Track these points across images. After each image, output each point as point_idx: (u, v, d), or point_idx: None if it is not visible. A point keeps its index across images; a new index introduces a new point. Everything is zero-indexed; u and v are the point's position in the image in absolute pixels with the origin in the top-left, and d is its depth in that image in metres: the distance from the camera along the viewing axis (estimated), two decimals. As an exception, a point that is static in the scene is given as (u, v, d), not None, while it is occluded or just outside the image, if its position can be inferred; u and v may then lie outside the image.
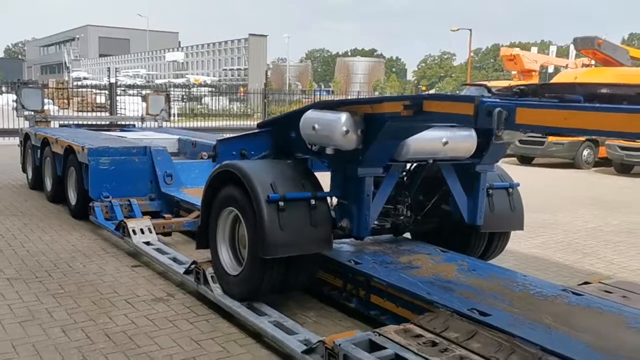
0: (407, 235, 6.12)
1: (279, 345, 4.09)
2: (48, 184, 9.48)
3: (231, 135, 7.23)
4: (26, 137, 10.71)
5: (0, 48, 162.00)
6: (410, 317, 4.14)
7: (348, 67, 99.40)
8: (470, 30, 43.47)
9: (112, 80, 22.56)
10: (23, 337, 4.29)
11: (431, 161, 5.01)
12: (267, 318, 4.40)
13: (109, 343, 4.24)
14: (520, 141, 16.97)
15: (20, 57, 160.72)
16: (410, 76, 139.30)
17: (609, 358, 3.29)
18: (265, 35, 55.38)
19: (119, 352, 4.09)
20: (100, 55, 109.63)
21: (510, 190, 5.73)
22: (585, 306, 4.16)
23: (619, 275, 6.20)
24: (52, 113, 16.42)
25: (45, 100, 32.33)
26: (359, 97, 31.62)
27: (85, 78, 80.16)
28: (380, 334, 3.68)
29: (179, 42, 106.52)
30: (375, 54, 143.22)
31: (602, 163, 16.83)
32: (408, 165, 5.35)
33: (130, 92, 27.32)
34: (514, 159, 18.41)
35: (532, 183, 13.92)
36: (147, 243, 6.39)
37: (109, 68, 38.26)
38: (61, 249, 6.73)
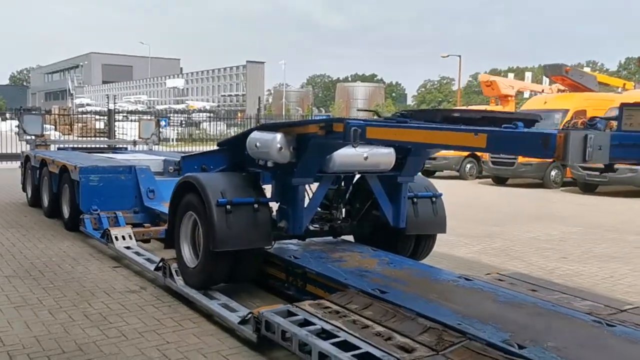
0: (351, 238, 7.13)
1: (223, 321, 5.07)
2: (45, 200, 10.52)
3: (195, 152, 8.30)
4: (26, 159, 11.79)
5: (5, 75, 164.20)
6: (331, 299, 5.12)
7: (348, 92, 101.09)
8: (460, 56, 44.84)
9: (111, 106, 23.74)
10: (17, 317, 5.28)
11: (357, 173, 6.05)
12: (216, 301, 5.39)
13: (87, 321, 5.22)
14: (493, 162, 18.18)
15: (25, 84, 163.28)
16: (410, 101, 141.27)
17: (462, 318, 4.27)
18: (262, 62, 56.95)
19: (94, 327, 5.07)
20: (104, 82, 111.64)
21: (434, 199, 6.74)
22: (469, 287, 5.16)
23: (533, 273, 7.17)
24: (52, 138, 17.54)
25: (48, 126, 33.59)
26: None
27: (88, 104, 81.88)
28: (297, 306, 4.67)
29: (181, 69, 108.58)
30: (375, 79, 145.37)
31: (571, 183, 17.78)
32: (342, 176, 6.38)
33: (132, 117, 28.51)
34: (489, 179, 19.51)
35: (495, 200, 14.96)
36: (128, 247, 7.40)
37: (107, 95, 39.57)
38: (53, 254, 7.73)
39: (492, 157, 18.07)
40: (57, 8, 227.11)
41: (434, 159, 19.81)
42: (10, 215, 10.58)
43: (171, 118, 37.08)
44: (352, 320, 4.41)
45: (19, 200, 12.22)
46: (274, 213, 5.85)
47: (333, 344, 3.98)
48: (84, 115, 43.94)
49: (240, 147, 6.05)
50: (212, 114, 47.00)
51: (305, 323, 4.42)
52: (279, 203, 5.81)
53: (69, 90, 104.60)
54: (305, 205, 5.77)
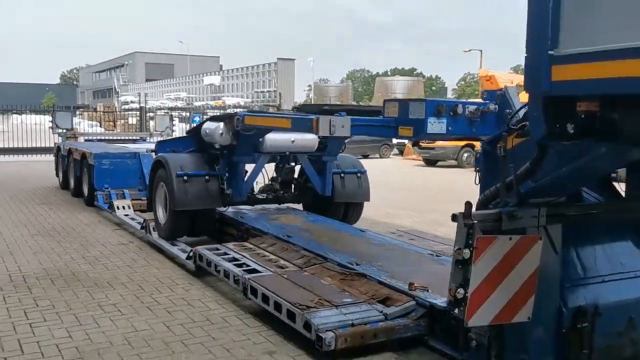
0: (300, 207, 8.94)
1: (177, 259, 6.97)
2: (71, 182, 12.66)
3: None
4: (58, 149, 13.98)
5: (57, 75, 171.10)
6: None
7: (387, 86, 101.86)
8: (481, 51, 45.93)
9: (142, 104, 26.07)
10: (34, 258, 7.28)
11: (288, 153, 7.85)
12: (177, 247, 7.29)
13: (83, 260, 7.19)
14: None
15: (74, 82, 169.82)
16: (450, 94, 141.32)
17: (330, 250, 6.03)
18: (293, 59, 59.08)
19: (87, 264, 7.03)
20: (147, 80, 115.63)
21: (359, 174, 8.48)
22: (359, 236, 6.92)
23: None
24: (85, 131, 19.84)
25: (93, 123, 36.23)
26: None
27: (132, 102, 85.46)
28: (223, 245, 6.53)
29: (221, 66, 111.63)
30: (415, 73, 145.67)
31: None
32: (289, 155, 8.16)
33: (161, 113, 30.86)
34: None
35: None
36: (126, 215, 9.40)
37: (139, 93, 42.31)
38: (70, 222, 9.79)
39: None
40: (105, 7, 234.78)
41: (433, 149, 21.44)
42: (43, 195, 12.77)
43: (207, 113, 39.41)
44: (257, 253, 6.25)
45: (53, 185, 14.42)
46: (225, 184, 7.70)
47: (235, 265, 5.81)
48: (125, 112, 46.80)
49: (199, 134, 7.93)
50: (245, 109, 49.28)
51: (223, 255, 6.26)
52: (225, 175, 7.65)
53: (115, 88, 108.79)
54: (245, 178, 7.63)
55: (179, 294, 5.91)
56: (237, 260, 6.03)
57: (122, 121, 39.36)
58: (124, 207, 9.61)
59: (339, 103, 18.01)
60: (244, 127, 6.33)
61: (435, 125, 4.37)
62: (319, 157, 7.98)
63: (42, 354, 4.38)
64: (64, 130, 14.75)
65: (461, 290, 3.17)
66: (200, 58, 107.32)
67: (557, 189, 3.43)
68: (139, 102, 30.01)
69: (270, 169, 8.51)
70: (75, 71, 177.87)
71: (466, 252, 3.14)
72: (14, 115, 35.73)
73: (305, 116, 5.08)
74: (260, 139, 7.40)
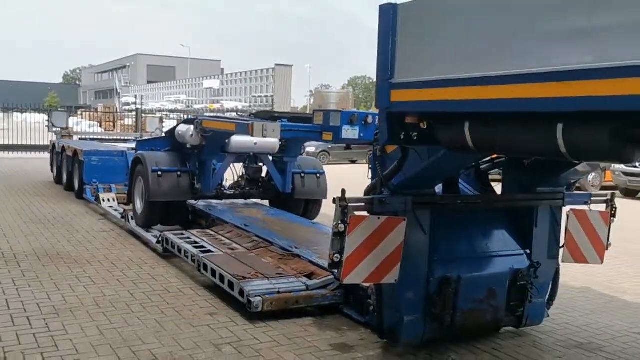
0: (266, 203, 9.95)
1: (149, 243, 7.97)
2: (64, 177, 13.68)
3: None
4: (53, 147, 15.01)
5: (60, 74, 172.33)
6: (218, 231, 7.96)
7: (323, 97, 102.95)
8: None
9: (139, 106, 27.15)
10: (25, 240, 8.29)
11: (252, 154, 8.86)
12: (151, 234, 8.29)
13: (68, 243, 8.20)
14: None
15: (77, 82, 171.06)
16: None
17: (278, 237, 7.03)
18: (290, 65, 60.11)
19: (71, 246, 8.03)
20: (148, 82, 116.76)
21: (318, 175, 9.49)
22: (307, 227, 7.92)
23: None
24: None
25: (93, 123, 37.11)
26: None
27: (133, 103, 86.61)
28: (187, 231, 7.54)
29: (222, 70, 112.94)
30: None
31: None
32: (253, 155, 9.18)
33: (158, 114, 31.85)
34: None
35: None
36: (110, 207, 10.41)
37: (135, 95, 43.32)
38: (61, 212, 10.80)
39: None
40: (111, 8, 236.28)
41: None
42: (38, 189, 13.79)
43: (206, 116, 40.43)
44: (216, 238, 7.27)
45: (48, 180, 15.44)
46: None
47: (194, 247, 6.82)
48: (125, 113, 47.91)
49: (174, 135, 8.95)
50: (243, 114, 50.31)
51: (187, 239, 7.26)
52: (196, 172, 8.66)
53: (116, 89, 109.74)
54: (213, 175, 8.65)
55: (146, 270, 6.92)
56: (197, 243, 7.04)
57: (121, 122, 40.53)
58: (109, 200, 10.63)
59: (288, 111, 17.83)
60: (202, 129, 7.37)
61: (349, 132, 5.40)
62: (280, 158, 8.99)
63: (25, 309, 5.38)
64: (60, 129, 15.78)
65: (338, 256, 4.15)
66: (202, 62, 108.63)
67: (422, 182, 4.44)
68: (135, 105, 31.01)
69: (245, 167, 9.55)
70: (78, 71, 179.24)
71: (341, 227, 4.12)
72: (16, 114, 36.74)
73: (245, 121, 6.12)
74: (227, 141, 8.41)
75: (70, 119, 37.52)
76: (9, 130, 23.74)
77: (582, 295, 6.74)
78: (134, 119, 30.03)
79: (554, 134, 2.91)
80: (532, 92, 2.86)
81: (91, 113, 52.62)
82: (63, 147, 13.70)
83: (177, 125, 8.83)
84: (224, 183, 9.61)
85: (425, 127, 3.72)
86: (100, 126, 39.82)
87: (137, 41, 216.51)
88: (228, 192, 9.27)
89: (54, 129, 15.76)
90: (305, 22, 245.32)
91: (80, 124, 36.41)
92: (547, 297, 5.46)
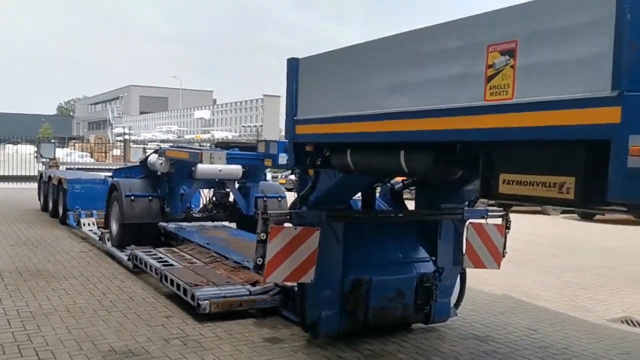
0: (234, 225, 10.85)
1: (121, 261, 8.84)
2: (50, 204, 14.56)
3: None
4: (40, 176, 15.92)
5: (54, 106, 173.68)
6: (184, 250, 8.86)
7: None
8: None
9: (126, 137, 28.15)
10: (10, 261, 9.14)
11: (217, 180, 9.80)
12: (124, 252, 9.17)
13: (48, 262, 9.05)
14: None
15: (70, 114, 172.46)
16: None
17: (234, 252, 7.92)
18: (279, 96, 61.59)
19: (50, 264, 8.88)
20: (141, 113, 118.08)
21: (279, 199, 10.43)
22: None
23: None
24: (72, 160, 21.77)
25: (84, 154, 37.93)
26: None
27: (125, 134, 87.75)
28: (154, 249, 8.43)
29: (214, 100, 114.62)
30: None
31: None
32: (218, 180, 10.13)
33: (145, 145, 32.81)
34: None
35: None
36: (90, 230, 11.29)
37: (123, 127, 44.47)
38: (44, 236, 11.67)
39: None
40: (103, 42, 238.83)
41: None
42: (25, 216, 14.65)
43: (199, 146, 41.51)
44: (179, 255, 8.16)
45: (35, 207, 16.31)
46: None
47: (158, 261, 7.70)
48: (115, 144, 48.89)
49: (146, 163, 9.89)
50: (208, 144, 51.30)
51: (153, 255, 8.14)
52: (166, 197, 9.58)
53: (109, 120, 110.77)
54: (181, 200, 9.57)
55: (116, 283, 7.79)
56: (161, 259, 7.93)
57: (111, 152, 41.51)
58: (89, 224, 11.50)
59: (244, 141, 18.49)
60: (165, 158, 8.33)
61: (284, 159, 6.35)
62: (244, 184, 9.93)
63: (6, 314, 6.24)
64: (47, 160, 16.69)
65: (261, 259, 5.05)
66: (194, 92, 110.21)
67: (333, 199, 5.38)
68: (124, 136, 32.10)
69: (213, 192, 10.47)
70: (72, 102, 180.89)
71: (263, 235, 5.03)
72: (9, 145, 37.64)
73: (197, 150, 7.08)
74: (193, 168, 9.35)
75: (63, 150, 38.57)
76: (1, 162, 24.65)
77: (499, 301, 7.64)
78: (122, 149, 31.05)
79: (398, 158, 3.87)
80: (383, 127, 3.83)
81: (83, 144, 53.75)
82: (49, 176, 14.61)
83: (149, 154, 9.79)
84: (195, 207, 10.54)
85: (327, 153, 4.69)
86: (92, 156, 40.73)
87: (131, 73, 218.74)
88: (196, 215, 10.18)
89: (42, 160, 16.67)
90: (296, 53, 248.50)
91: (72, 155, 37.38)
92: (455, 299, 6.38)
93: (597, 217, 18.11)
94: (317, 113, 4.43)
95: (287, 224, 5.24)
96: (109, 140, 59.56)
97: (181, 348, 5.39)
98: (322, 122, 4.36)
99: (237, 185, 10.09)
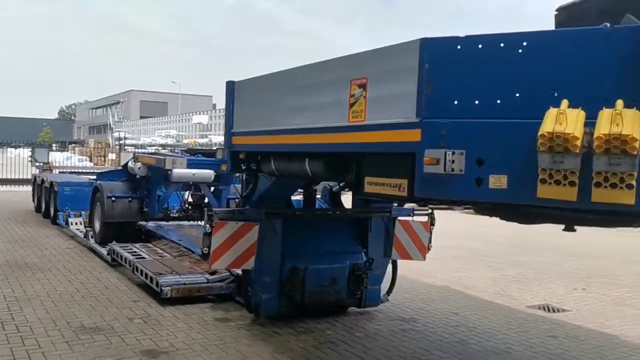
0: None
1: (103, 256, 9.77)
2: (42, 206, 15.50)
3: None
4: (35, 179, 16.86)
5: (55, 109, 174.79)
6: (159, 246, 9.80)
7: None
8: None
9: (121, 142, 29.13)
10: (1, 256, 10.08)
11: (192, 183, 10.74)
12: (105, 248, 10.10)
13: (36, 257, 9.98)
14: None
15: (72, 118, 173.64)
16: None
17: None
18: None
19: (38, 259, 9.81)
20: (141, 117, 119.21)
21: (250, 200, 11.33)
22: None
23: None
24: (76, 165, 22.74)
25: (83, 157, 39.01)
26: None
27: (125, 138, 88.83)
28: (133, 245, 9.37)
29: (214, 105, 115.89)
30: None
31: None
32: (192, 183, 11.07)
33: (141, 149, 33.76)
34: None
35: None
36: (77, 229, 12.23)
37: (118, 132, 45.46)
38: (35, 234, 12.60)
39: None
40: (105, 46, 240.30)
41: None
42: (19, 216, 15.59)
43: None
44: (152, 250, 9.10)
45: (29, 209, 17.25)
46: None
47: (132, 255, 8.63)
48: (116, 148, 49.90)
49: (127, 167, 10.83)
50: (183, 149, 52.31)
51: (129, 250, 9.07)
52: (145, 198, 10.52)
53: (110, 124, 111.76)
54: (158, 201, 10.51)
55: (94, 274, 8.72)
56: (136, 252, 8.86)
57: (109, 157, 42.54)
58: (76, 223, 12.44)
59: (209, 149, 19.03)
60: (141, 163, 9.29)
61: (237, 164, 7.27)
62: (217, 186, 10.87)
63: (-7, 298, 7.19)
64: (41, 163, 17.65)
65: (206, 249, 5.97)
66: (194, 97, 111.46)
67: (272, 199, 6.31)
68: (119, 141, 33.07)
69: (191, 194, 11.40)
70: (73, 107, 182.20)
71: (208, 229, 5.95)
72: (10, 149, 38.65)
73: (162, 156, 8.02)
74: (169, 172, 10.29)
75: (62, 154, 39.51)
76: (2, 165, 25.65)
77: (436, 290, 8.56)
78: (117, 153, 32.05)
79: (305, 164, 4.80)
80: (292, 140, 4.76)
81: (82, 148, 54.84)
82: (42, 179, 15.56)
83: (129, 160, 10.73)
84: (174, 207, 11.47)
85: (259, 159, 5.64)
86: (91, 160, 41.69)
87: (133, 77, 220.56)
88: (174, 215, 11.12)
89: (36, 164, 17.62)
90: (301, 54, 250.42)
91: (71, 159, 38.32)
92: (385, 286, 7.30)
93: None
94: (248, 127, 5.36)
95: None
96: (109, 145, 60.70)
97: (141, 325, 6.32)
98: (251, 134, 5.30)
99: (212, 189, 11.02)
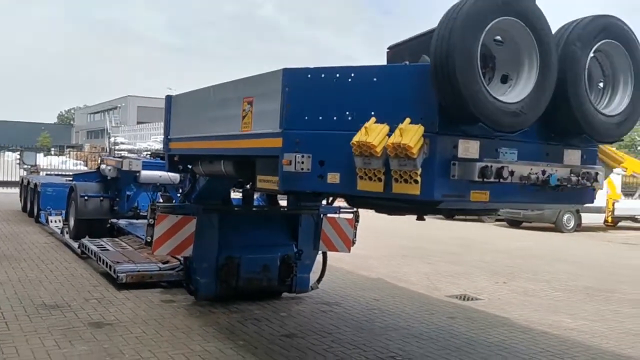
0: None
1: (75, 250, 10.77)
2: (27, 206, 16.51)
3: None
4: (22, 181, 17.88)
5: (54, 114, 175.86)
6: (126, 240, 10.80)
7: None
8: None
9: (112, 147, 30.12)
10: (-17, 248, 11.09)
11: (159, 184, 11.74)
12: (77, 242, 11.09)
13: (15, 250, 10.97)
14: None
15: (70, 122, 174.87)
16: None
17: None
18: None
19: (16, 251, 10.80)
20: (138, 123, 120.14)
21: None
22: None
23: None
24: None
25: (78, 162, 39.87)
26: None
27: (122, 143, 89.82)
28: (102, 239, 10.37)
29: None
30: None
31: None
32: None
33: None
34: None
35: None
36: (57, 226, 13.23)
37: (108, 137, 46.36)
38: (18, 231, 13.59)
39: None
40: (105, 51, 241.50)
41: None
42: (5, 215, 16.60)
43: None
44: (118, 243, 10.11)
45: (17, 209, 18.25)
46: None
47: (98, 248, 9.63)
48: (120, 152, 50.67)
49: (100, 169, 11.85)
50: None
51: (97, 244, 10.07)
52: (115, 198, 11.53)
53: (107, 129, 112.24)
54: (127, 200, 11.53)
55: (64, 265, 9.71)
56: (102, 246, 9.86)
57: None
58: (55, 221, 13.44)
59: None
60: (103, 163, 10.31)
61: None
62: (182, 187, 11.87)
63: (-30, 282, 8.18)
64: (29, 166, 18.67)
65: (149, 238, 6.96)
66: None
67: (208, 196, 7.31)
68: (111, 145, 33.98)
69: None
70: (72, 111, 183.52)
71: (151, 220, 6.95)
72: (8, 153, 39.63)
73: (120, 159, 9.05)
74: (137, 174, 11.30)
75: (59, 158, 40.42)
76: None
77: (370, 282, 9.57)
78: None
79: (221, 165, 5.82)
80: (209, 145, 5.77)
81: (78, 152, 55.79)
82: (28, 181, 16.57)
83: (102, 162, 11.76)
84: (144, 207, 12.45)
85: (191, 161, 6.66)
86: (86, 164, 42.56)
87: (131, 83, 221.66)
88: (143, 214, 12.09)
89: (24, 166, 18.63)
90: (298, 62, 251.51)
91: (67, 163, 39.23)
92: (314, 275, 8.30)
93: (524, 224, 20.08)
94: (180, 134, 6.39)
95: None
96: (105, 149, 61.66)
97: (95, 304, 7.31)
98: (182, 140, 6.32)
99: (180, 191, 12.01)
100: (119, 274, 8.09)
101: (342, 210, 8.27)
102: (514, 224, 20.14)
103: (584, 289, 9.74)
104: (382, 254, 12.45)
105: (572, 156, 4.44)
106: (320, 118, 4.25)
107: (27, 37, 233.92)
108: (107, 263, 8.64)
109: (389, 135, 3.85)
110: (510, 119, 3.84)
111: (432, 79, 3.78)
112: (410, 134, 3.72)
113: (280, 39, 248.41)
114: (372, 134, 3.84)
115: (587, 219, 19.60)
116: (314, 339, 6.30)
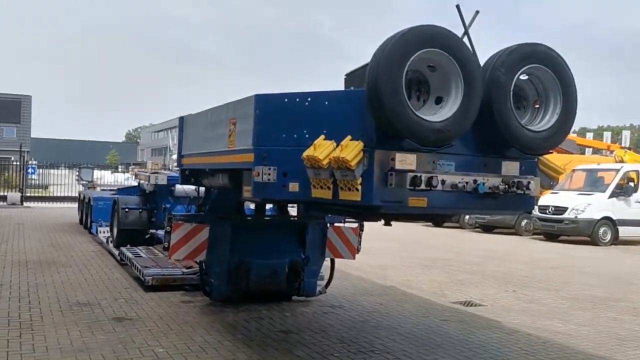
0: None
1: (115, 257, 11.82)
2: (83, 218, 17.89)
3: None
4: (79, 196, 19.35)
5: (123, 133, 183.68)
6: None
7: None
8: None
9: (166, 163, 31.78)
10: (36, 255, 12.28)
11: (193, 197, 12.69)
12: (117, 250, 12.15)
13: (64, 257, 12.13)
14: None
15: (137, 140, 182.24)
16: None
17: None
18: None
19: (65, 258, 11.95)
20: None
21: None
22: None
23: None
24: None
25: (130, 177, 41.56)
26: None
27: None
28: (138, 247, 11.37)
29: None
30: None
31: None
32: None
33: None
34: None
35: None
36: (104, 236, 14.41)
37: (172, 154, 48.52)
38: (71, 241, 14.86)
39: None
40: (169, 70, 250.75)
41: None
42: (63, 227, 18.03)
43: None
44: (152, 251, 11.07)
45: (74, 222, 19.73)
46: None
47: (133, 255, 10.62)
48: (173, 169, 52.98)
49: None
50: None
51: (133, 251, 11.07)
52: (154, 210, 12.55)
53: (169, 147, 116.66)
54: (164, 212, 12.52)
55: (104, 270, 10.75)
56: (138, 253, 10.84)
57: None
58: (103, 232, 14.63)
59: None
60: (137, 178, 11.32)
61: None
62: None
63: (20, 283, 9.26)
64: (86, 182, 20.16)
65: (167, 244, 7.81)
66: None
67: (221, 206, 8.12)
68: (167, 163, 35.84)
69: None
70: (139, 130, 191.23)
71: (168, 228, 7.80)
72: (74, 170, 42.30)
73: (147, 173, 10.03)
74: (173, 188, 12.29)
75: (124, 174, 42.89)
76: (68, 185, 28.97)
77: (381, 288, 10.12)
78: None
79: (220, 177, 6.61)
80: (209, 160, 6.58)
81: (141, 169, 58.90)
82: (84, 195, 17.99)
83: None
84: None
85: (194, 176, 7.51)
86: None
87: (197, 100, 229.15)
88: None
89: (82, 182, 20.14)
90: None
91: (130, 179, 41.50)
92: (324, 281, 8.95)
93: (561, 237, 20.01)
94: (190, 150, 7.24)
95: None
96: (166, 166, 64.37)
97: (122, 303, 8.23)
98: (191, 156, 7.17)
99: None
100: (145, 277, 9.00)
101: (347, 219, 8.92)
102: (552, 237, 20.10)
103: (591, 298, 9.96)
104: (403, 264, 12.96)
105: (510, 167, 4.98)
106: (284, 136, 4.97)
107: (98, 61, 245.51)
108: (137, 267, 9.58)
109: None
110: (435, 135, 4.45)
111: (366, 103, 4.44)
112: (349, 149, 4.38)
113: (342, 57, 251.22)
114: (319, 149, 4.53)
115: (627, 232, 19.36)
116: (307, 335, 6.96)
